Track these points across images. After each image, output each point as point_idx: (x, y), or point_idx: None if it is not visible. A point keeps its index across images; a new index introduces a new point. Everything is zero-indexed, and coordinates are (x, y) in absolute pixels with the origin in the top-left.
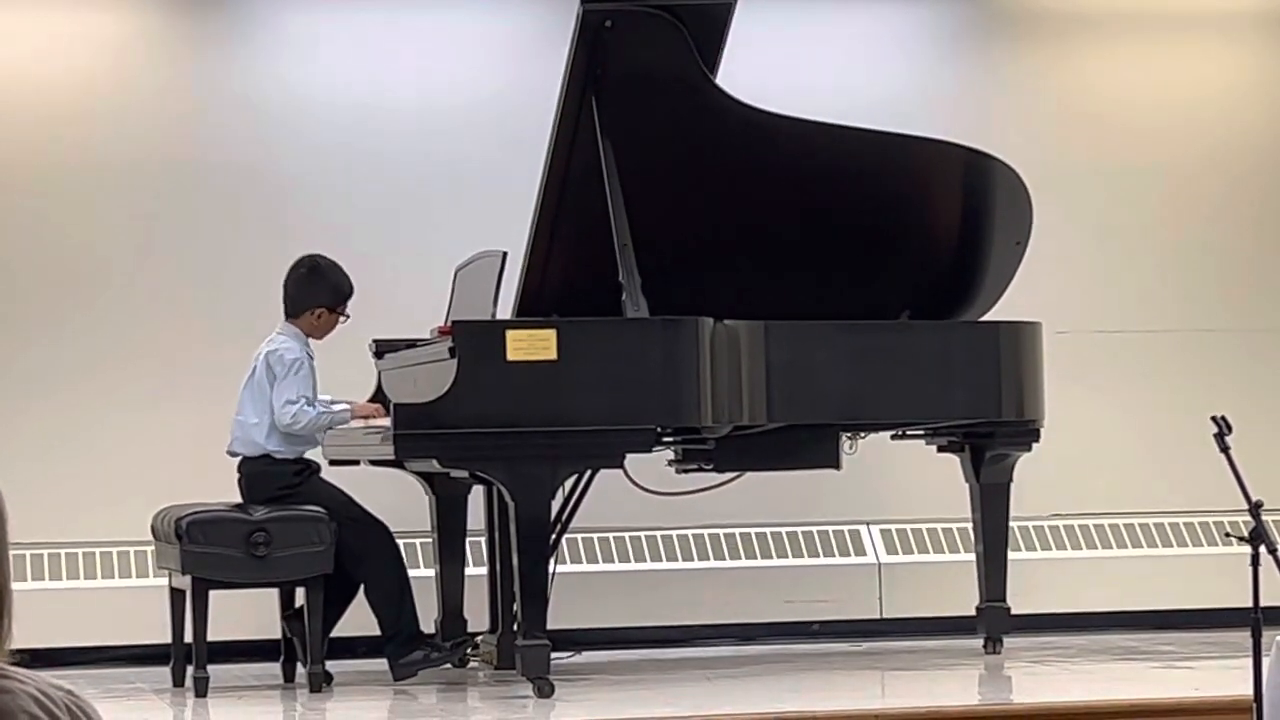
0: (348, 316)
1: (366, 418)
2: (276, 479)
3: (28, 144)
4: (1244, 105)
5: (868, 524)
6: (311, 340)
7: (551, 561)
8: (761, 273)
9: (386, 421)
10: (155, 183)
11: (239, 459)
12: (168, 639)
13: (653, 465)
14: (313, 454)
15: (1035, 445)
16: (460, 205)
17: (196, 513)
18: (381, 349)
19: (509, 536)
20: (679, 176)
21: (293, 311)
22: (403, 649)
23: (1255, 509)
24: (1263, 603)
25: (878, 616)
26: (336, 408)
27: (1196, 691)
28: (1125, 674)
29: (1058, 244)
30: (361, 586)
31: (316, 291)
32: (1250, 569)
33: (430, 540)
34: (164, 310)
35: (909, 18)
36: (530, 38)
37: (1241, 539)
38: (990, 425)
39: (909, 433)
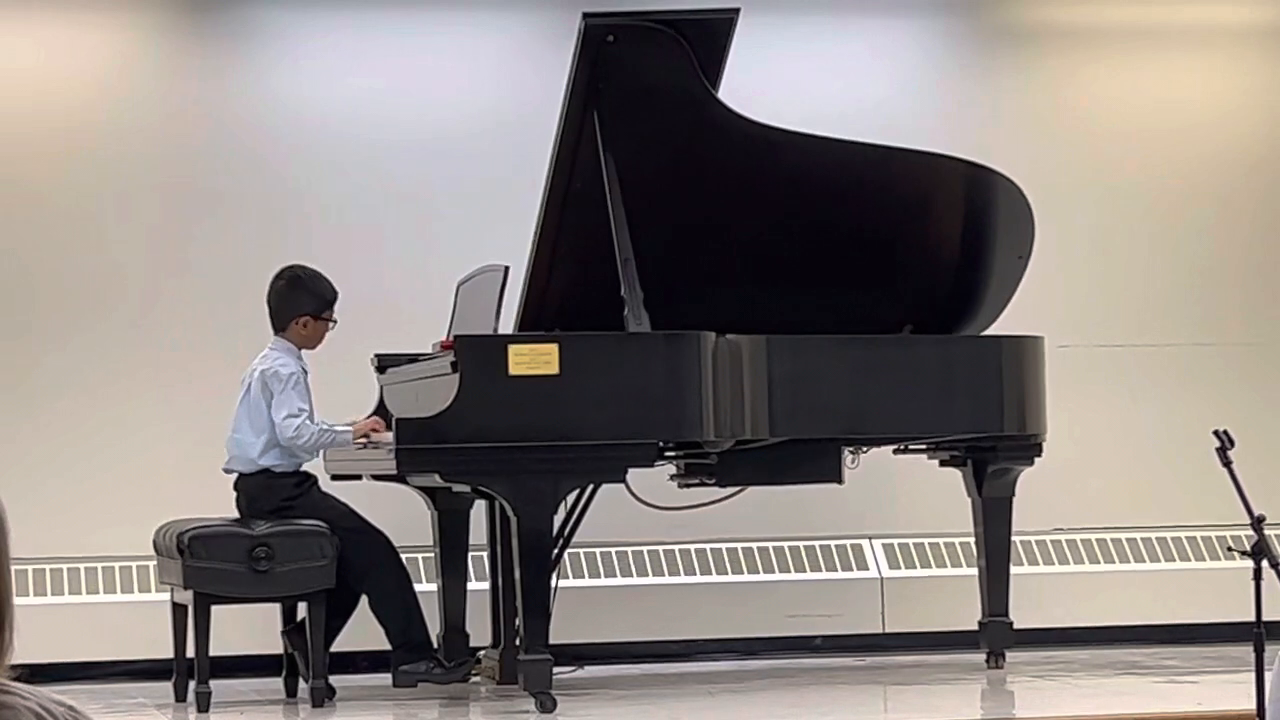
0: (335, 321)
1: (366, 434)
2: (275, 493)
3: (33, 157)
4: (1244, 119)
5: (870, 538)
6: (306, 352)
7: (554, 576)
8: (763, 286)
9: (388, 436)
10: (159, 197)
11: (235, 475)
12: (170, 654)
13: (655, 480)
14: (313, 468)
15: (1037, 459)
16: (462, 219)
17: (198, 528)
18: (383, 363)
19: (511, 551)
20: (681, 190)
21: (280, 325)
22: (408, 656)
23: (1258, 523)
24: (1265, 617)
25: (880, 631)
26: (340, 427)
27: (1199, 706)
28: (1128, 688)
29: (1060, 258)
30: (364, 598)
31: (298, 301)
32: (1253, 583)
33: (432, 555)
34: (167, 324)
35: (910, 32)
36: (532, 50)
37: (1244, 553)
38: (992, 439)
39: (911, 447)
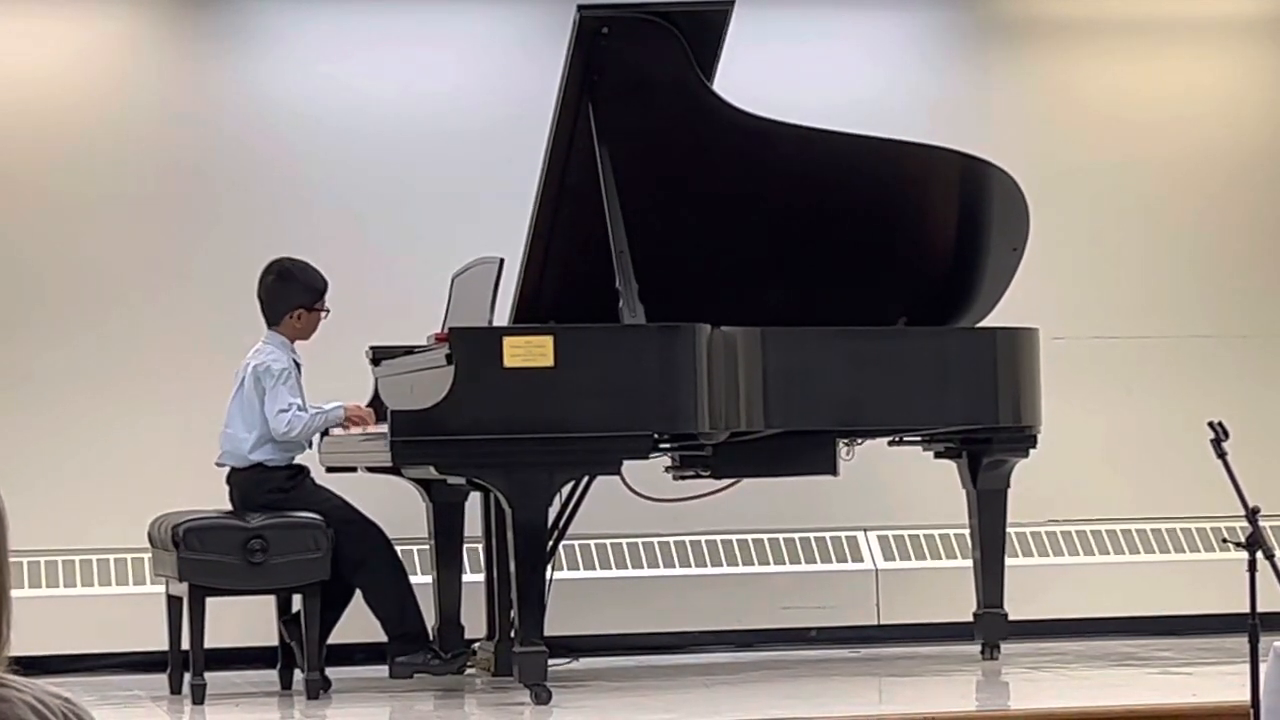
0: (328, 311)
1: (360, 420)
2: (268, 486)
3: (28, 153)
4: (1239, 111)
5: (865, 530)
6: (299, 343)
7: (549, 568)
8: (758, 278)
9: (382, 428)
10: (155, 192)
11: (228, 470)
12: (165, 646)
13: (650, 472)
14: (308, 460)
15: (1032, 451)
16: (458, 212)
17: (193, 520)
18: (378, 355)
19: (506, 543)
20: (676, 182)
21: (273, 319)
22: (405, 647)
23: (1252, 515)
24: (1260, 608)
25: (875, 623)
26: (328, 406)
27: (1194, 697)
28: (1123, 680)
29: (1054, 250)
30: (359, 590)
31: (290, 295)
32: (1247, 575)
33: (427, 547)
34: (162, 318)
35: (906, 23)
36: (528, 43)
37: (1239, 545)
38: (987, 431)
39: (906, 439)
